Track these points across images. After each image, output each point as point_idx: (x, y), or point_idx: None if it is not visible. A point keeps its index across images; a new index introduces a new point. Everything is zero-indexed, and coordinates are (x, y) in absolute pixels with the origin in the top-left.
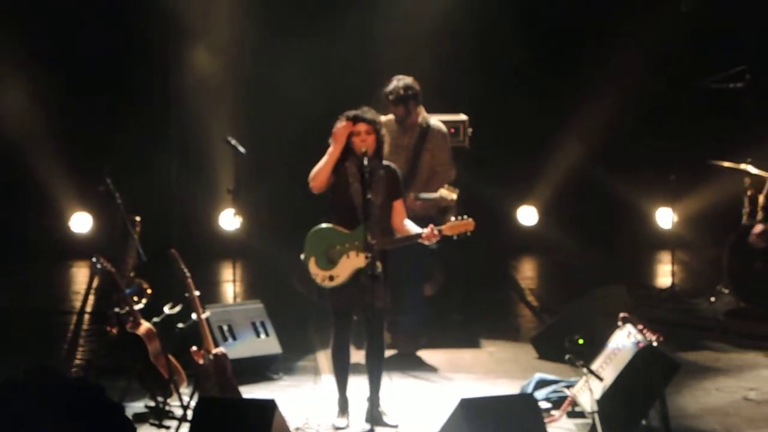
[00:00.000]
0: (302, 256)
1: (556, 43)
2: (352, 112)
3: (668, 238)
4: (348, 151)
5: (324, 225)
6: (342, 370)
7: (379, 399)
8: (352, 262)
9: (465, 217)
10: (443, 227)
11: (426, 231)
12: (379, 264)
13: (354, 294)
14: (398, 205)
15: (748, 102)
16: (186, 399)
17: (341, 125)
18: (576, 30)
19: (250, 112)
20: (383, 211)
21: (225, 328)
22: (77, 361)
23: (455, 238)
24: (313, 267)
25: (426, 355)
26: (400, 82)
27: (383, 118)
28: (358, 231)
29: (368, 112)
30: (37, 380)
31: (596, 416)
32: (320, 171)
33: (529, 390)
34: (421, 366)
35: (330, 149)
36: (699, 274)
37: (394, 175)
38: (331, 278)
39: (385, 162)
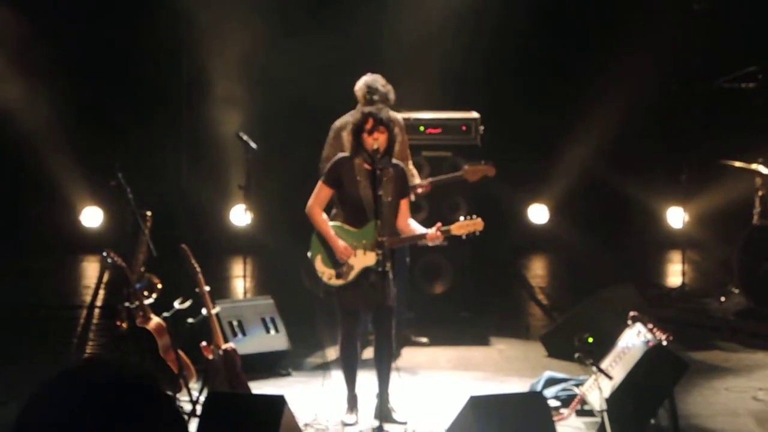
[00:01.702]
0: (309, 254)
1: (568, 42)
2: (367, 109)
3: (679, 237)
4: (359, 147)
5: (332, 223)
6: (350, 368)
7: (389, 396)
8: (359, 261)
9: (474, 216)
10: (452, 227)
11: (431, 231)
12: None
13: (362, 292)
14: (404, 204)
15: (760, 102)
16: (195, 394)
17: (346, 253)
18: (588, 28)
19: (261, 108)
20: (391, 209)
21: (235, 323)
22: (87, 355)
23: (464, 237)
24: (319, 265)
25: (435, 352)
26: (374, 76)
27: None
28: (367, 229)
29: (383, 111)
30: (90, 372)
31: (605, 415)
32: (311, 219)
33: (539, 388)
34: (431, 363)
35: (326, 229)
36: (709, 274)
37: (403, 174)
38: (338, 276)
39: (394, 161)
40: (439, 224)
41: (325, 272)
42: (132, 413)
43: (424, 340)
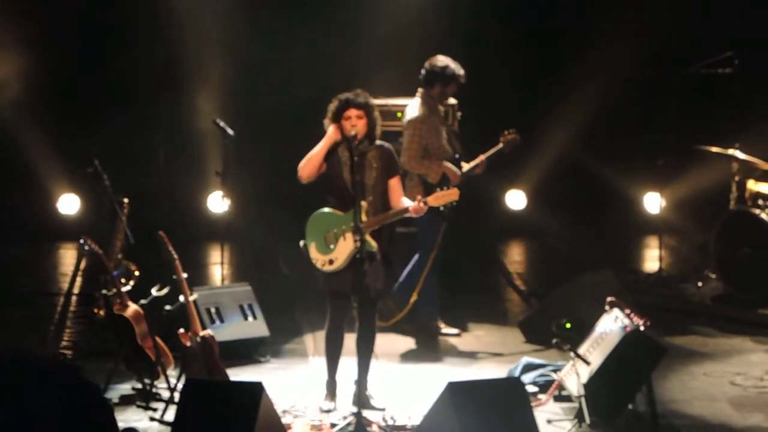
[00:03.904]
0: (301, 243)
1: (545, 28)
2: (344, 95)
3: (656, 223)
4: (341, 134)
5: (324, 209)
6: (334, 353)
7: (367, 382)
8: (348, 245)
9: (449, 186)
10: (429, 198)
11: (413, 204)
12: (373, 244)
13: (351, 277)
14: (394, 183)
15: (736, 87)
16: (173, 381)
17: (332, 129)
18: (565, 15)
19: (238, 94)
20: (376, 191)
21: (213, 310)
22: (64, 343)
23: (442, 208)
24: (313, 252)
25: (413, 338)
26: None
27: (416, 104)
28: (352, 213)
29: (360, 96)
30: (9, 361)
31: (583, 400)
32: (308, 162)
33: (516, 374)
34: (409, 349)
35: (321, 143)
36: (686, 259)
37: (389, 154)
38: (331, 262)
39: (378, 142)
40: (419, 197)
41: (319, 259)
42: (53, 400)
43: (455, 331)
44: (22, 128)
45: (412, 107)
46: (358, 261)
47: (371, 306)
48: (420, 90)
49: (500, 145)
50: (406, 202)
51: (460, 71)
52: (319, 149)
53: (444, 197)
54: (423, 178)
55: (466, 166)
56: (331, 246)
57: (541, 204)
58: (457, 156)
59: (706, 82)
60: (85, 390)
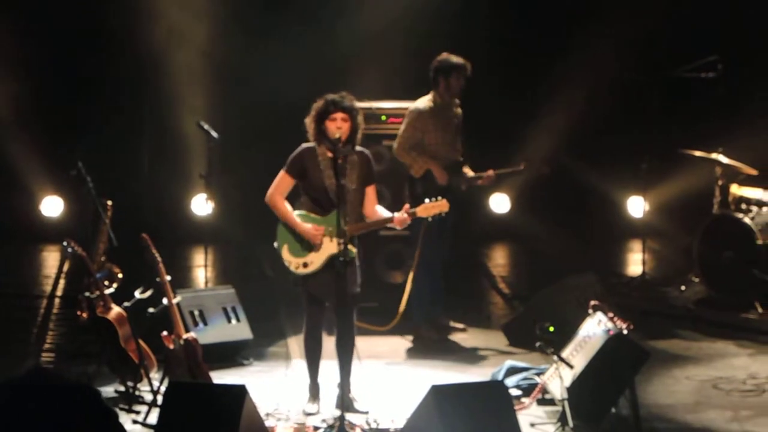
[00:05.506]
0: (275, 244)
1: (530, 31)
2: (331, 97)
3: (639, 226)
4: (322, 135)
5: (297, 212)
6: (314, 357)
7: (350, 385)
8: (326, 249)
9: (438, 198)
10: (418, 209)
11: (398, 215)
12: (353, 249)
13: (328, 280)
14: (370, 191)
15: (720, 92)
16: (156, 384)
17: (317, 233)
18: (548, 19)
19: (223, 97)
20: (356, 196)
21: (196, 313)
22: (47, 346)
23: (430, 219)
24: (286, 254)
25: (396, 341)
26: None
27: (422, 102)
28: (331, 216)
29: (346, 99)
30: (34, 382)
31: (566, 404)
32: (274, 207)
33: (500, 377)
34: (392, 352)
35: (290, 217)
36: (670, 263)
37: (367, 161)
38: (305, 265)
39: (358, 148)
40: (406, 206)
41: (293, 261)
42: (77, 424)
43: (461, 326)
44: (5, 130)
45: (420, 100)
46: (340, 264)
47: (349, 309)
48: (433, 90)
49: (521, 167)
50: (382, 211)
51: (459, 61)
52: (288, 219)
53: (433, 208)
54: (406, 169)
55: (470, 173)
56: (307, 249)
57: (524, 207)
58: (460, 160)
59: (690, 86)
60: (106, 416)
